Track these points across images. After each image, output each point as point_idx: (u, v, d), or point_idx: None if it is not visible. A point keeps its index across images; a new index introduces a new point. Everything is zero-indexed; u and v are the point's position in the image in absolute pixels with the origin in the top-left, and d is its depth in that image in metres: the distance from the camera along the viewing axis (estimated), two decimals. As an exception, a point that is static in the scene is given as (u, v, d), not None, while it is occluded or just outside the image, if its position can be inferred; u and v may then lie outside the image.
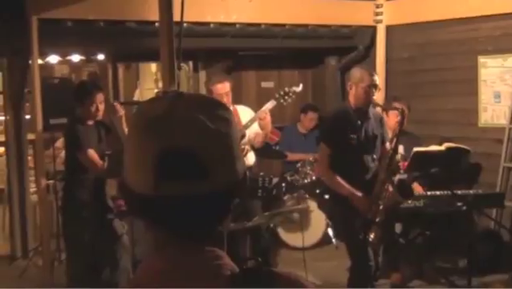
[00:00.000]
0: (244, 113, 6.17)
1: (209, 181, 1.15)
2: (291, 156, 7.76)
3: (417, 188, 6.24)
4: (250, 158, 6.11)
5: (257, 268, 1.22)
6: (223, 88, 5.96)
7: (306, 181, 7.36)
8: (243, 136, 5.87)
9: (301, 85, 6.11)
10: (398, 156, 5.42)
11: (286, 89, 5.94)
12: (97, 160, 5.32)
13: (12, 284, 6.47)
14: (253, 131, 6.04)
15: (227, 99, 5.94)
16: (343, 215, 4.97)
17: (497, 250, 6.44)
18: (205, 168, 1.14)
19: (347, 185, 4.87)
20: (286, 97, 5.92)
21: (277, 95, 5.94)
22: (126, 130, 5.54)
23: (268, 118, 5.90)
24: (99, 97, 5.40)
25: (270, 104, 5.91)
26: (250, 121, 5.94)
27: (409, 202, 5.92)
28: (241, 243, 5.77)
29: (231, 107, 6.01)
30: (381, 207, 4.83)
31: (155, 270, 1.20)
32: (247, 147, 5.98)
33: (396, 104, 5.71)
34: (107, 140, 5.63)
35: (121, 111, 5.59)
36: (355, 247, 4.94)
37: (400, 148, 6.21)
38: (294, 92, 5.98)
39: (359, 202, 4.82)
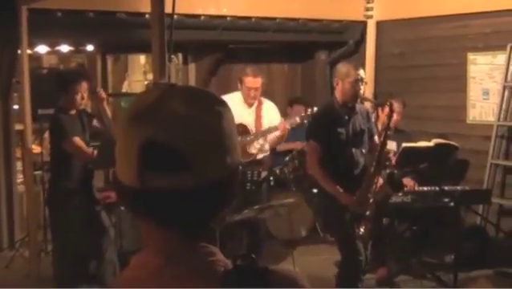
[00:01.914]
0: (268, 110, 6.21)
1: (194, 175, 1.13)
2: (280, 147, 7.74)
3: (409, 182, 6.26)
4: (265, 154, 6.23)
5: (250, 265, 1.19)
6: (254, 83, 5.99)
7: (294, 174, 7.36)
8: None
9: None
10: (391, 153, 5.44)
11: (315, 109, 5.96)
12: (84, 148, 5.27)
13: (-2, 275, 6.45)
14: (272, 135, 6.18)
15: (255, 95, 5.99)
16: (332, 209, 4.98)
17: (483, 245, 6.47)
18: (188, 160, 1.12)
19: (333, 184, 4.87)
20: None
21: (303, 114, 6.02)
22: (109, 112, 5.59)
23: (287, 132, 6.08)
24: (84, 86, 5.35)
25: (293, 121, 6.03)
26: (269, 130, 6.07)
27: (397, 197, 5.95)
28: (237, 236, 5.81)
29: (255, 102, 6.08)
30: (371, 201, 4.85)
31: (147, 265, 1.19)
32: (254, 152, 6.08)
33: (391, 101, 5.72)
34: (90, 129, 5.60)
35: (103, 95, 5.60)
36: (346, 242, 4.96)
37: (393, 145, 6.23)
38: None
39: (345, 200, 4.83)
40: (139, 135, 1.14)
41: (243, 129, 6.05)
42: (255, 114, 6.11)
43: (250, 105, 6.11)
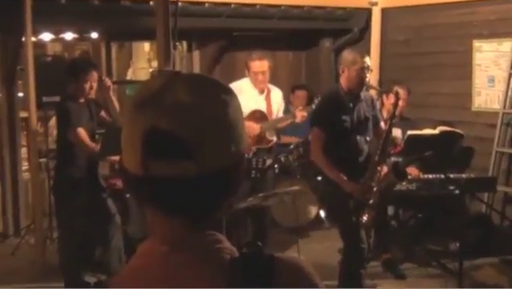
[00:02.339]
0: (275, 97, 6.21)
1: (197, 163, 1.12)
2: (284, 139, 7.74)
3: (413, 171, 6.25)
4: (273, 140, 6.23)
5: (257, 252, 1.18)
6: (261, 66, 5.99)
7: (299, 162, 7.36)
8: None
9: None
10: (398, 140, 5.43)
11: None
12: (87, 141, 5.28)
13: (4, 262, 6.47)
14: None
15: (263, 78, 5.99)
16: (335, 197, 4.97)
17: (488, 233, 6.47)
18: (191, 149, 1.12)
19: (336, 171, 4.86)
20: None
21: (316, 101, 5.96)
22: (115, 101, 5.57)
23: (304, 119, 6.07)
24: (94, 75, 5.37)
25: (309, 108, 6.03)
26: (284, 118, 6.11)
27: (402, 185, 5.95)
28: (242, 224, 5.83)
29: (266, 89, 6.09)
30: (375, 189, 4.84)
31: (154, 252, 1.19)
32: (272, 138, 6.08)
33: (396, 88, 5.70)
34: (98, 118, 5.61)
35: (109, 83, 5.61)
36: (348, 229, 4.95)
37: (398, 132, 6.22)
38: None
39: (348, 188, 4.82)
40: (143, 122, 1.13)
41: (261, 115, 6.06)
42: (266, 102, 6.12)
43: (261, 90, 6.10)
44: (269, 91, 6.18)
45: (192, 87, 1.17)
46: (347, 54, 5.07)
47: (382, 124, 5.26)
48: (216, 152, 1.15)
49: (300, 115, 6.03)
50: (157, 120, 1.12)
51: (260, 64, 6.00)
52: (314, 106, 5.95)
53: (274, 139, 6.24)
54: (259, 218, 6.12)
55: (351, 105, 5.00)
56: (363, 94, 5.10)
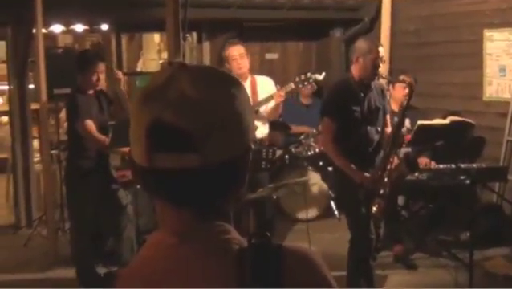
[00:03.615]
0: (264, 85, 6.11)
1: (201, 156, 1.12)
2: (295, 129, 7.74)
3: (424, 161, 6.24)
4: (263, 130, 6.10)
5: (265, 243, 1.19)
6: (236, 50, 5.94)
7: (309, 153, 7.37)
8: (256, 111, 5.87)
9: (323, 74, 6.02)
10: (404, 130, 5.40)
11: (308, 74, 5.87)
12: (95, 133, 5.29)
13: (16, 253, 6.52)
14: (269, 106, 6.03)
15: (242, 62, 5.91)
16: (346, 187, 4.97)
17: (500, 223, 6.45)
18: (195, 141, 1.12)
19: (347, 162, 4.84)
20: (306, 83, 5.87)
21: (297, 79, 5.88)
22: (124, 93, 5.58)
23: (282, 99, 5.91)
24: (101, 67, 5.37)
25: (287, 87, 5.89)
26: (265, 100, 5.93)
27: (413, 175, 5.93)
28: (244, 215, 5.79)
29: (249, 76, 6.01)
30: (386, 180, 4.82)
31: (163, 244, 1.20)
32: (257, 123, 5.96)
33: (404, 77, 5.65)
34: (109, 111, 5.62)
35: (120, 75, 5.61)
36: (357, 219, 4.94)
37: (407, 122, 6.20)
38: (316, 80, 5.93)
39: (358, 178, 4.81)
40: (148, 115, 1.14)
41: None
42: (250, 90, 6.02)
43: (244, 77, 5.97)
44: (254, 79, 6.09)
45: (197, 80, 1.17)
46: (362, 43, 5.00)
47: (388, 116, 5.22)
48: (221, 145, 1.15)
49: (278, 94, 5.91)
50: (161, 112, 1.13)
51: (236, 48, 5.96)
52: (292, 84, 5.89)
53: (262, 129, 6.10)
54: (261, 209, 6.04)
55: (362, 95, 4.95)
56: (373, 83, 5.05)
